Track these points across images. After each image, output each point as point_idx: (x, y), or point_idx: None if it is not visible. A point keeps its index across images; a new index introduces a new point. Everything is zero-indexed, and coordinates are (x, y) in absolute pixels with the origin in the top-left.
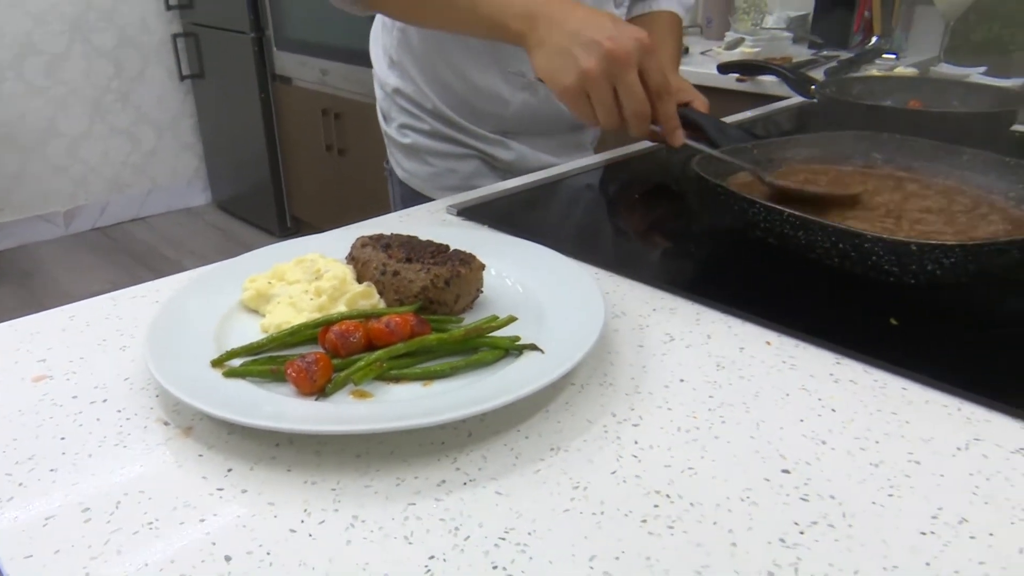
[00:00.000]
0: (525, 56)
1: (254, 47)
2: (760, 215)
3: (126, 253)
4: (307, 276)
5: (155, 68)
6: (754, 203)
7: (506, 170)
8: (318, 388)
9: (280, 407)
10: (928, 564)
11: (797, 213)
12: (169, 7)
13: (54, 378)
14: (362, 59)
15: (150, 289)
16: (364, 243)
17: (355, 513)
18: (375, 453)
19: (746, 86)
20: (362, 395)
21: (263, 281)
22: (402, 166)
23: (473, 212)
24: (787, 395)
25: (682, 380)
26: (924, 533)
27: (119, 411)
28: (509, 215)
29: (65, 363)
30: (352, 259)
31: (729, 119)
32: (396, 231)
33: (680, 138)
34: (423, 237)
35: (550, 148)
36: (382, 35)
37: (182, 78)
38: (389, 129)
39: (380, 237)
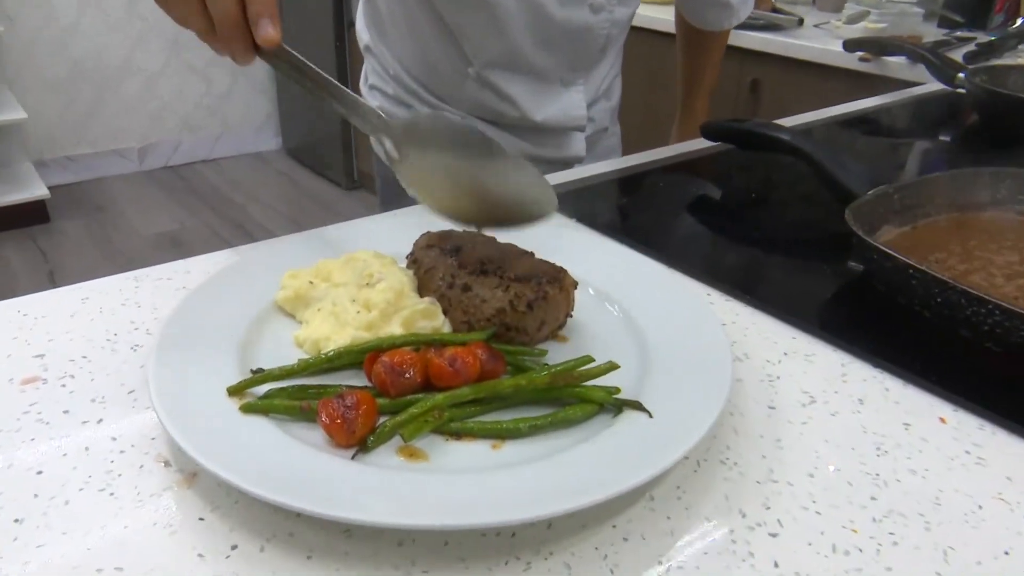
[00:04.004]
0: (483, 51)
1: None
2: (989, 316)
3: (194, 194)
4: (357, 279)
5: None
6: (985, 300)
7: None
8: (357, 440)
9: (303, 469)
10: None
11: None
12: None
13: (47, 382)
14: None
15: (178, 270)
16: (430, 242)
17: None
18: (424, 543)
19: (868, 67)
20: (412, 455)
21: (304, 280)
22: None
23: (560, 202)
24: (980, 507)
25: (833, 468)
26: None
27: (113, 439)
28: (596, 208)
29: (64, 363)
30: (414, 262)
31: (852, 106)
32: None
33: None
34: (501, 237)
35: (526, 136)
36: None
37: None
38: (363, 88)
39: (449, 237)
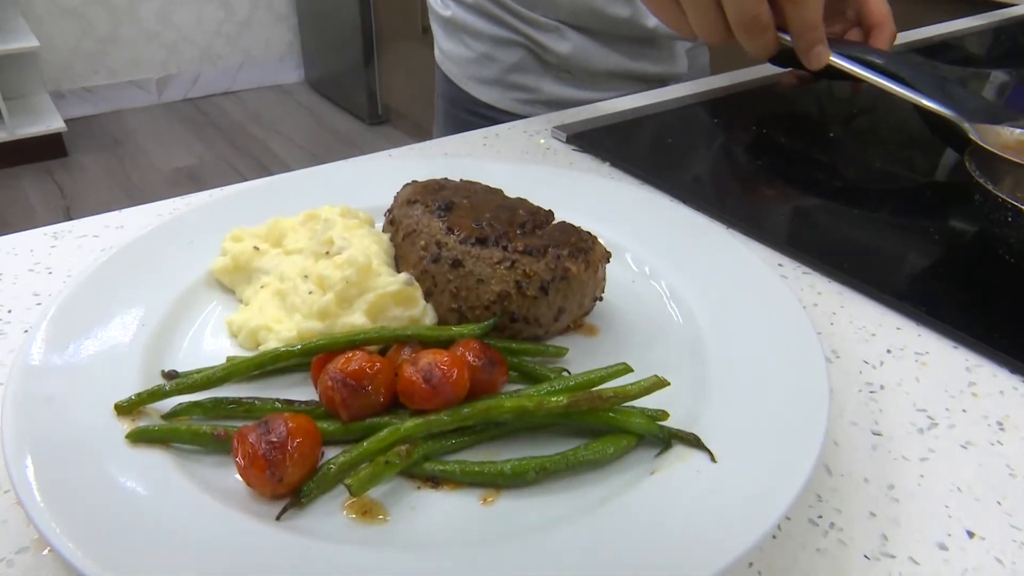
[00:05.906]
0: None
1: None
2: None
3: (214, 128)
4: (315, 245)
5: None
6: None
7: (559, 66)
8: (287, 489)
9: (199, 542)
10: None
11: None
12: None
13: None
14: None
15: (110, 224)
16: (413, 196)
17: None
18: None
19: None
20: (367, 512)
21: (249, 244)
22: (440, 45)
23: (589, 140)
24: None
25: (972, 534)
26: None
27: None
28: (636, 149)
29: None
30: (390, 223)
31: (930, 30)
32: (473, 163)
33: (821, 57)
34: (512, 188)
35: (623, 48)
36: None
37: None
38: None
39: (441, 188)
